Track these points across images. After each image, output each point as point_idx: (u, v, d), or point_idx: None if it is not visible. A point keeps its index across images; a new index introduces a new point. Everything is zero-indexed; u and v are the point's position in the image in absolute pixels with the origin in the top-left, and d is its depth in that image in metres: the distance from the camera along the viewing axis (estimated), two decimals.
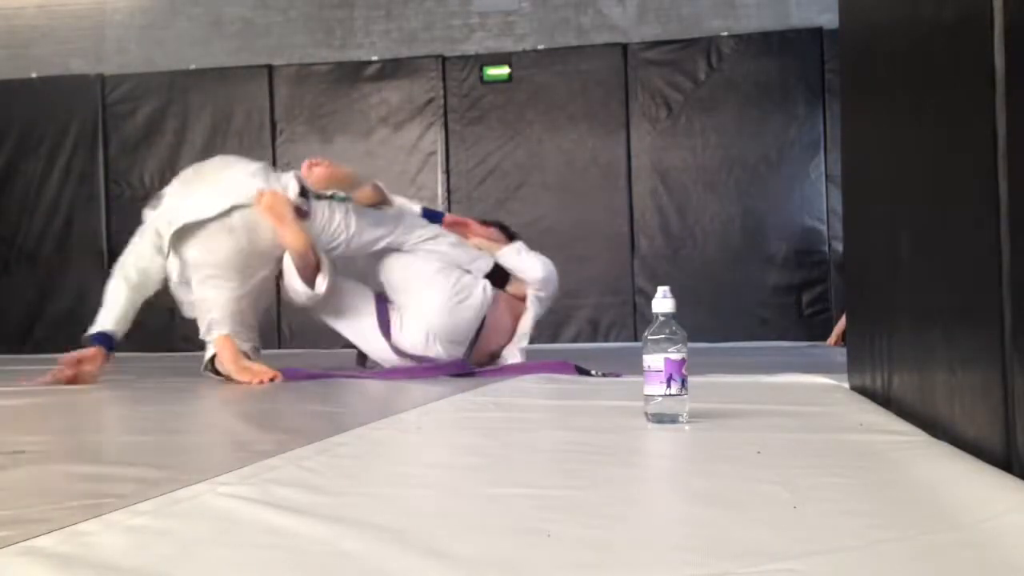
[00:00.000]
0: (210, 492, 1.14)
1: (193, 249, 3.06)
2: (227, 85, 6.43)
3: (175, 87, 6.46)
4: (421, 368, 3.13)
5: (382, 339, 3.27)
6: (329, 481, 1.23)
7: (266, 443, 1.62)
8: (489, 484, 1.23)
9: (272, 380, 2.96)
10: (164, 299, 6.10)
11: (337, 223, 3.21)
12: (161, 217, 3.14)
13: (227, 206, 3.03)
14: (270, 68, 6.42)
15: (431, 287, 3.27)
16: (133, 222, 3.29)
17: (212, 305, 3.08)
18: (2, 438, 1.81)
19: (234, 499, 1.09)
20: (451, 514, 1.04)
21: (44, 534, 0.93)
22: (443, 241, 3.38)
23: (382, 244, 3.33)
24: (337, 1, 6.47)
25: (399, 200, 3.63)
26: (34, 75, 6.62)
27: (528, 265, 3.43)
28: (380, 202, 3.42)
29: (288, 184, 3.12)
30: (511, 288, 3.44)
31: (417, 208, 3.61)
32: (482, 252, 3.45)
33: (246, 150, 6.36)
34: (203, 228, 3.05)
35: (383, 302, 3.35)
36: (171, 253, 3.09)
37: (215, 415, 2.37)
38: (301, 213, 3.09)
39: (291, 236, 3.02)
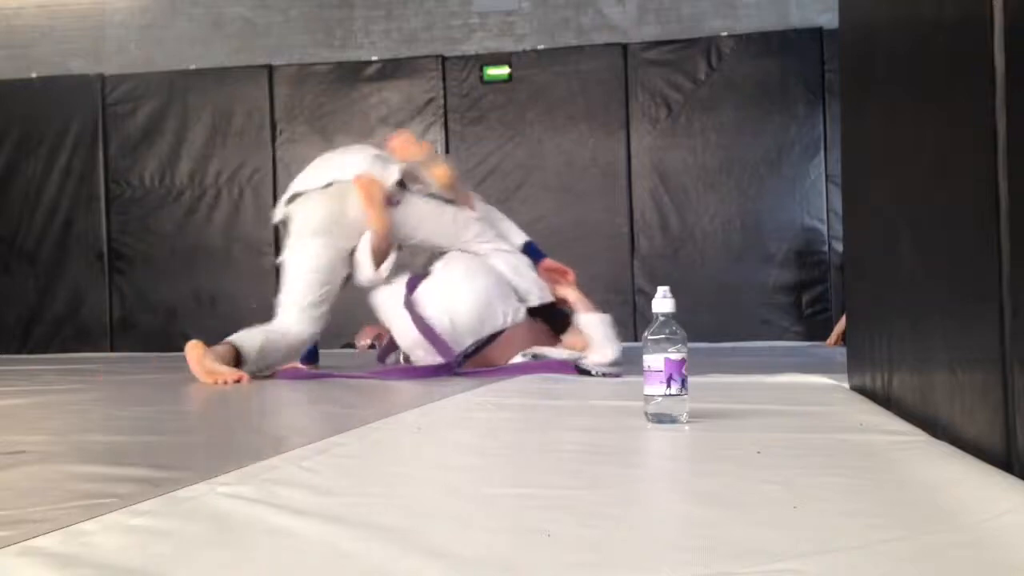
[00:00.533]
0: (210, 492, 1.13)
1: (295, 209, 3.39)
2: (227, 85, 6.42)
3: (175, 87, 6.45)
4: (421, 368, 3.14)
5: (403, 293, 3.30)
6: (329, 481, 1.23)
7: (266, 443, 1.62)
8: (489, 484, 1.23)
9: (237, 382, 2.97)
10: (164, 298, 6.05)
11: (421, 218, 3.40)
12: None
13: (328, 180, 3.33)
14: (270, 68, 6.42)
15: (477, 275, 3.33)
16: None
17: (283, 300, 3.32)
18: (2, 438, 1.81)
19: (234, 499, 1.09)
20: (451, 514, 1.04)
21: (44, 534, 0.93)
22: (514, 256, 3.50)
23: (456, 247, 3.47)
24: (337, 1, 6.47)
25: (504, 225, 3.72)
26: (34, 75, 6.62)
27: (608, 344, 3.45)
28: (458, 197, 3.48)
29: (390, 173, 3.33)
30: (567, 338, 3.48)
31: (519, 240, 3.68)
32: (545, 288, 3.51)
33: (246, 150, 6.38)
34: (306, 194, 3.37)
35: (418, 277, 3.40)
36: (282, 218, 3.44)
37: (215, 415, 2.37)
38: (391, 201, 3.31)
39: (375, 218, 3.27)
